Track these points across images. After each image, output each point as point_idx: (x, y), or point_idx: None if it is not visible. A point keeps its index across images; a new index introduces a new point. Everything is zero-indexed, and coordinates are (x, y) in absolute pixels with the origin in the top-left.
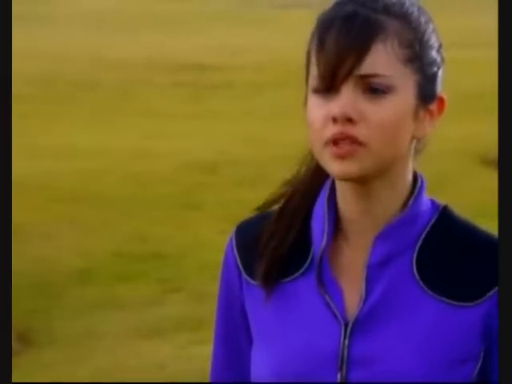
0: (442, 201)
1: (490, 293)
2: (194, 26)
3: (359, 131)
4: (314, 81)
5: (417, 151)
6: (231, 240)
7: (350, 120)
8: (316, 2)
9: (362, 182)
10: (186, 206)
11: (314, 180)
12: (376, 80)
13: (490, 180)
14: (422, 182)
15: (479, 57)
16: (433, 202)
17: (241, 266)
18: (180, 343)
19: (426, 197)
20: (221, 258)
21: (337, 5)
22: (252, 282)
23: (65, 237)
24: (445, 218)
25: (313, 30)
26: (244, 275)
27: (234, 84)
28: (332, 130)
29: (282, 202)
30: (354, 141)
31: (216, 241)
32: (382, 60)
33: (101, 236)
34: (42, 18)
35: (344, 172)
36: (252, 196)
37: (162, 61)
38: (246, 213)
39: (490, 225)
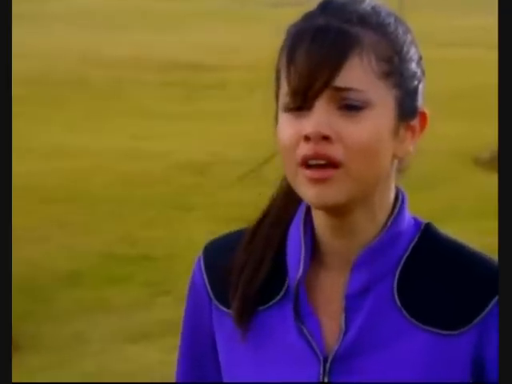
0: (424, 218)
1: (478, 318)
2: (185, 24)
3: (335, 151)
4: (284, 98)
5: (398, 171)
6: (199, 261)
7: (324, 138)
8: None
9: (339, 211)
10: (176, 207)
11: (286, 204)
12: (351, 95)
13: (482, 180)
14: (402, 199)
15: (476, 56)
16: (415, 220)
17: (210, 291)
18: (167, 348)
19: (409, 214)
20: None
21: (307, 17)
22: (222, 308)
23: (54, 238)
24: (427, 237)
25: (281, 45)
26: (214, 301)
27: (226, 84)
28: (304, 150)
29: (253, 226)
30: (330, 161)
31: None
32: (358, 74)
33: (90, 238)
34: (30, 16)
35: (320, 198)
36: (244, 197)
37: (152, 60)
38: (238, 214)
39: (482, 225)
